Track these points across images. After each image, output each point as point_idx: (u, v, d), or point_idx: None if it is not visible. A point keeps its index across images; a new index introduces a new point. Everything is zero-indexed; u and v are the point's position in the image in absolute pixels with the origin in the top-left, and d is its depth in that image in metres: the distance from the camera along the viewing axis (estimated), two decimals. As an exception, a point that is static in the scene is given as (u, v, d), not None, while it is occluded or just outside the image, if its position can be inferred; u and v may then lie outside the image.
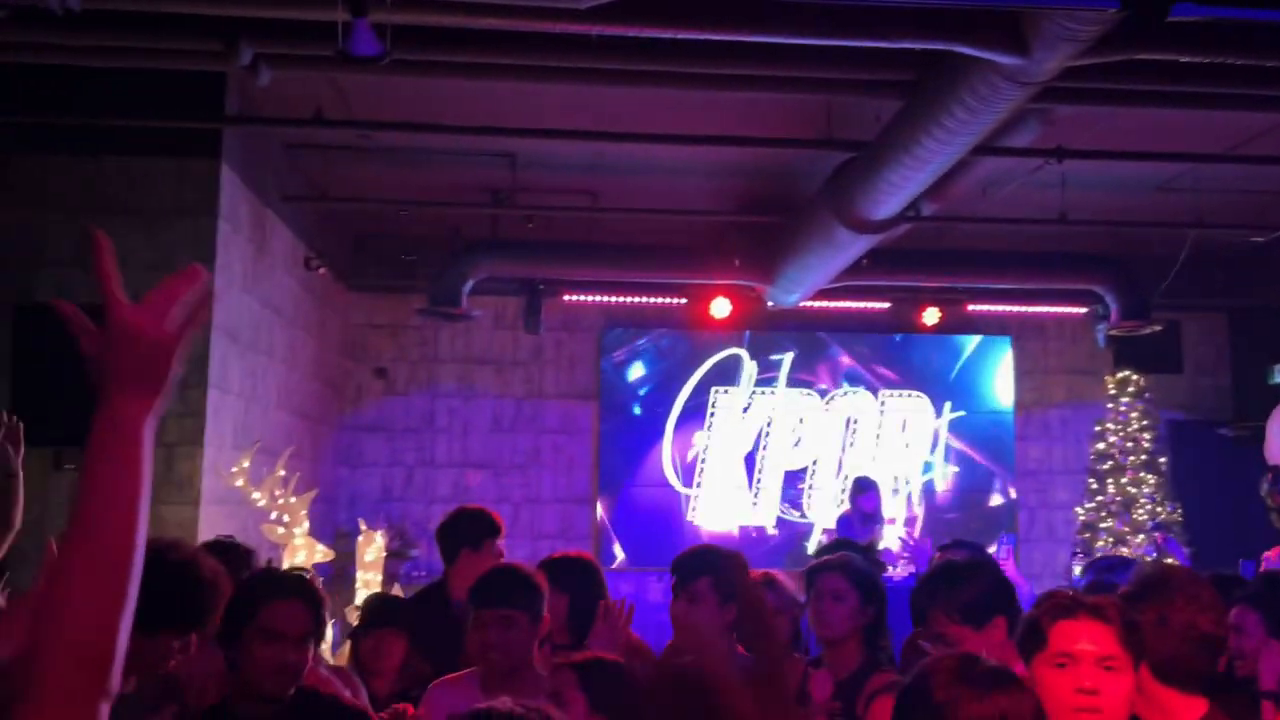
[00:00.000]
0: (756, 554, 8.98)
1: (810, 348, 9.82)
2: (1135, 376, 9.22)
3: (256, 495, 5.87)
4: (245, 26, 4.93)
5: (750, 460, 9.67)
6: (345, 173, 7.56)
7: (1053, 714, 1.88)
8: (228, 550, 3.17)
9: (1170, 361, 9.87)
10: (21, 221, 5.69)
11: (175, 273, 1.13)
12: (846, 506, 8.06)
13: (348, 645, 5.65)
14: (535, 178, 7.63)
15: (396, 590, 6.77)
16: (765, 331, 9.67)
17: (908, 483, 9.75)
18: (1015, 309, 9.69)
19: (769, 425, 9.71)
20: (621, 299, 9.44)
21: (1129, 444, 9.06)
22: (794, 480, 9.69)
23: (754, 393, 9.73)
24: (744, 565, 3.07)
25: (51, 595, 1.07)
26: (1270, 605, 3.03)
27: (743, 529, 9.56)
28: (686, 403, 9.65)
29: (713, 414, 9.69)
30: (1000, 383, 9.96)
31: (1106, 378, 9.39)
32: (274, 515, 5.93)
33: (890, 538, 7.80)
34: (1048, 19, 4.15)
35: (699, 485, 9.60)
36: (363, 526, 7.12)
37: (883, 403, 9.81)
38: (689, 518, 9.56)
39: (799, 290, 8.50)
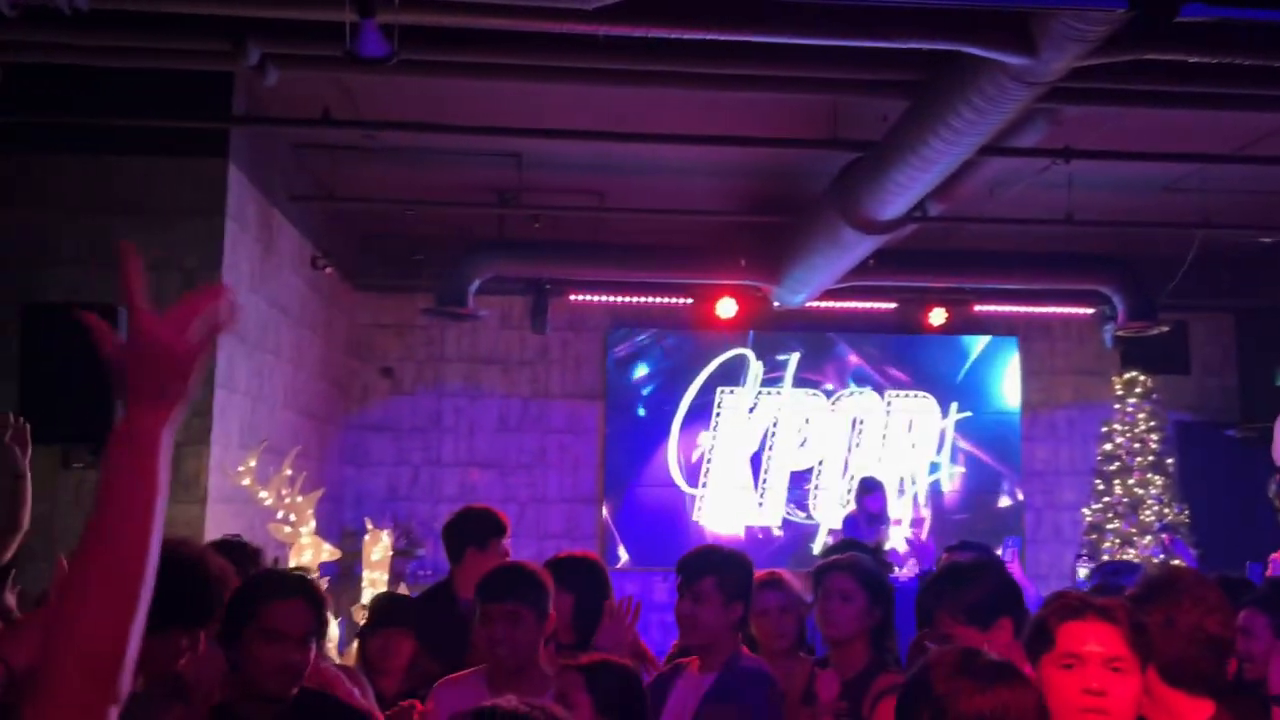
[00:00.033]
0: (762, 555, 8.97)
1: (816, 348, 9.81)
2: (1142, 377, 9.21)
3: (263, 494, 5.88)
4: (253, 27, 4.95)
5: (756, 461, 9.66)
6: (352, 172, 7.58)
7: (1059, 715, 1.88)
8: (234, 549, 3.18)
9: (1177, 362, 9.84)
10: (29, 221, 5.72)
11: (199, 288, 1.16)
12: (852, 507, 8.05)
13: (355, 644, 5.66)
14: (542, 178, 7.63)
15: (403, 589, 6.78)
16: (771, 332, 9.66)
17: (914, 483, 9.74)
18: (1022, 309, 9.67)
19: (775, 425, 9.71)
20: (627, 299, 9.44)
21: (1136, 445, 9.04)
22: (800, 481, 9.68)
23: (760, 393, 9.73)
24: (749, 566, 3.07)
25: (64, 601, 1.08)
26: (1279, 608, 3.03)
27: (748, 529, 9.56)
28: (692, 403, 9.65)
29: (718, 414, 9.69)
30: (1007, 383, 9.94)
31: (1113, 378, 9.37)
32: (280, 514, 5.95)
33: (896, 538, 7.80)
34: (1055, 19, 4.14)
35: (704, 485, 9.60)
36: (369, 526, 7.14)
37: (889, 403, 9.80)
38: (694, 518, 9.56)
39: (805, 291, 8.49)
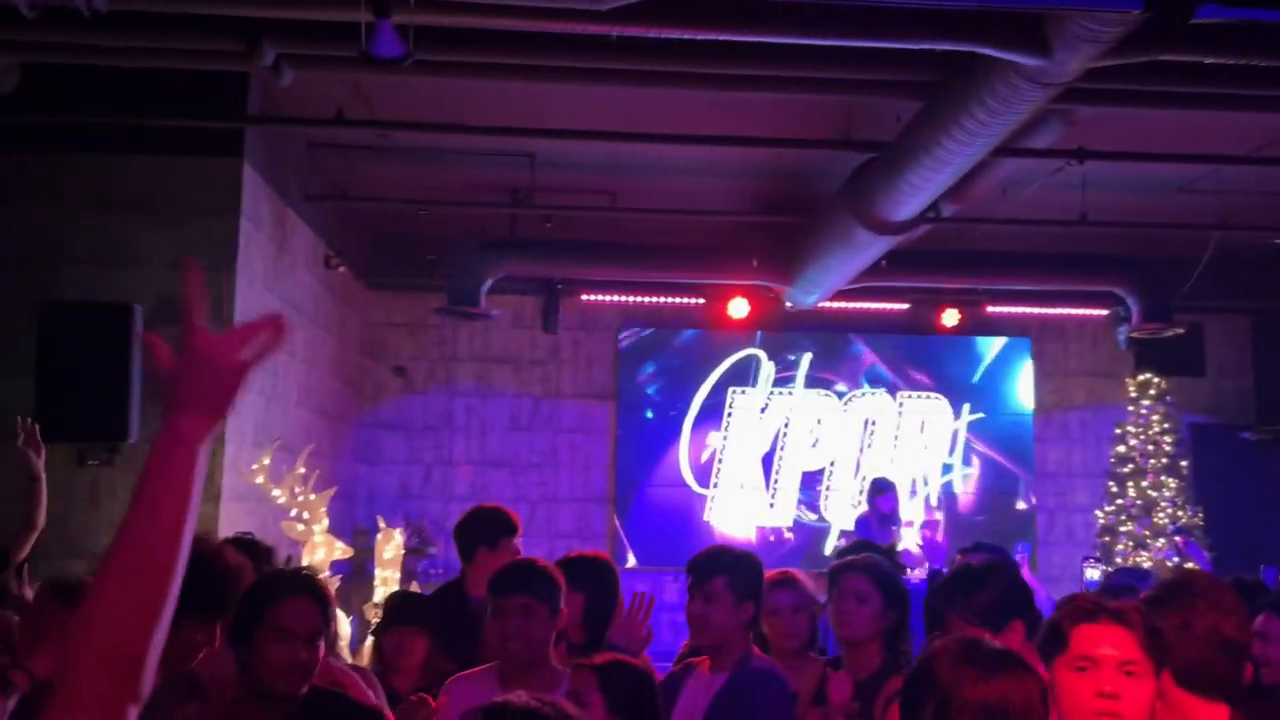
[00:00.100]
0: (773, 558, 8.97)
1: (829, 348, 9.80)
2: (1156, 379, 9.16)
3: (276, 492, 5.91)
4: (268, 27, 4.97)
5: (767, 461, 9.65)
6: (366, 172, 7.60)
7: (1072, 718, 1.87)
8: (247, 547, 3.20)
9: (1192, 364, 9.79)
10: (46, 220, 5.76)
11: (262, 315, 1.24)
12: (864, 508, 8.03)
13: (368, 642, 5.68)
14: (554, 178, 7.64)
15: (415, 588, 6.80)
16: (783, 332, 9.65)
17: (926, 483, 9.71)
18: (1035, 310, 9.63)
19: (786, 426, 9.70)
20: (639, 299, 9.45)
21: (1150, 447, 8.99)
22: (811, 481, 9.67)
23: (772, 393, 9.72)
24: (759, 566, 3.07)
25: (91, 600, 1.09)
26: (1294, 612, 3.01)
27: (760, 530, 9.55)
28: (704, 403, 9.65)
29: (730, 414, 9.68)
30: (1020, 385, 9.91)
31: (1127, 380, 9.33)
32: (294, 512, 5.97)
33: (909, 539, 7.78)
34: (1070, 20, 4.12)
35: (715, 486, 9.60)
36: (381, 524, 7.16)
37: (901, 404, 9.78)
38: (706, 518, 9.56)
39: (817, 291, 8.48)
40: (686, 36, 4.87)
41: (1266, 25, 4.50)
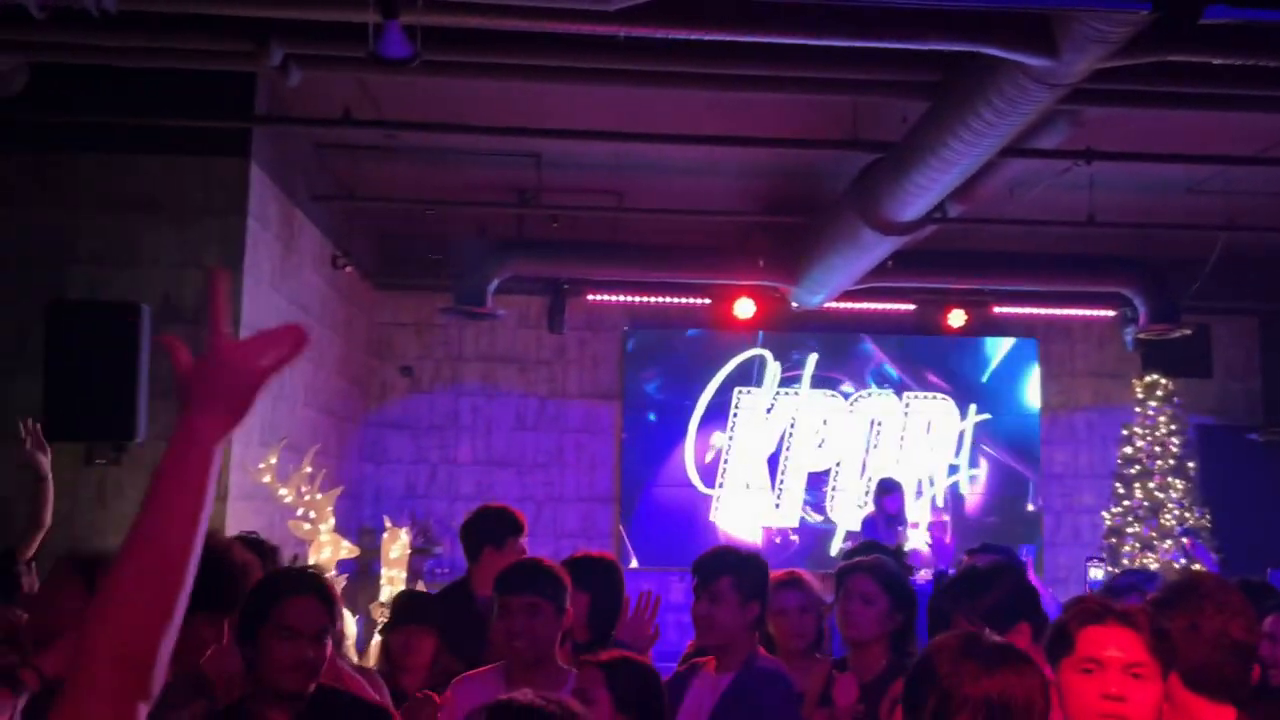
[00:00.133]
0: (779, 557, 8.96)
1: (835, 348, 9.79)
2: (1164, 380, 9.14)
3: (283, 491, 5.92)
4: (276, 28, 4.98)
5: (773, 461, 9.65)
6: (373, 172, 7.62)
7: (1078, 720, 1.87)
8: (253, 546, 3.21)
9: (1200, 365, 9.77)
10: (54, 219, 5.78)
11: (284, 325, 1.25)
12: (870, 508, 8.03)
13: (374, 641, 5.69)
14: (561, 178, 7.65)
15: (420, 587, 6.80)
16: (789, 332, 9.65)
17: (932, 484, 9.70)
18: (1042, 311, 9.62)
19: (792, 426, 9.69)
20: (645, 299, 9.45)
21: (1157, 448, 8.97)
22: (817, 482, 9.66)
23: (777, 393, 9.71)
24: (765, 566, 3.07)
25: (104, 597, 1.10)
26: (1302, 613, 3.00)
27: (765, 531, 9.54)
28: (710, 403, 9.64)
29: (735, 414, 9.68)
30: (1028, 386, 9.89)
31: (1134, 381, 9.30)
32: (300, 511, 5.98)
33: (917, 540, 7.78)
34: (1078, 21, 4.11)
35: (721, 486, 9.60)
36: (388, 524, 7.17)
37: (907, 404, 9.76)
38: (711, 518, 9.55)
39: (824, 291, 8.47)
40: (694, 37, 4.86)
41: (1274, 26, 4.49)
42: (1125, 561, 8.54)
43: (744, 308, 9.09)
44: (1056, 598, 4.79)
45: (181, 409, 1.18)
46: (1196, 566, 7.87)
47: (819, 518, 9.61)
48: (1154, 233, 8.09)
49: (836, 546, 9.36)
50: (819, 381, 9.73)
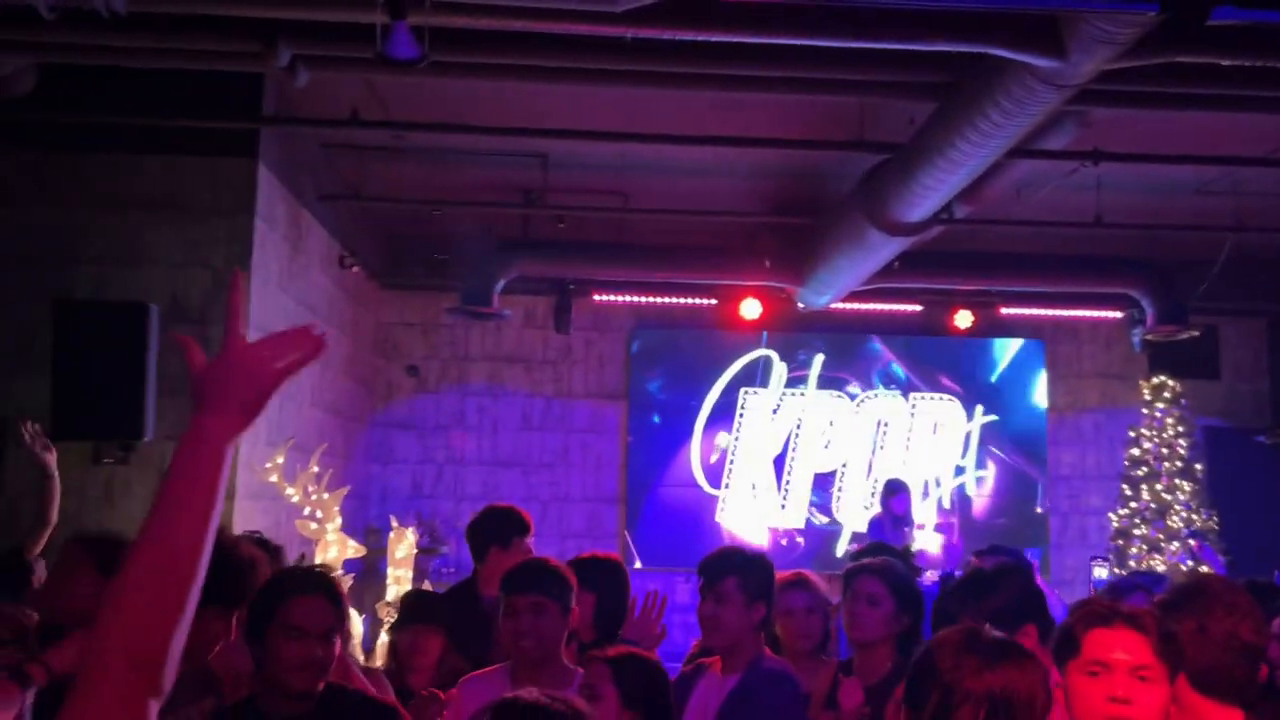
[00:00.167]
0: (785, 558, 8.96)
1: (842, 349, 9.78)
2: (1171, 382, 9.11)
3: (290, 491, 5.94)
4: (284, 29, 4.99)
5: (779, 462, 9.64)
6: (380, 173, 7.63)
7: (1085, 723, 1.87)
8: (257, 546, 3.22)
9: (1207, 367, 9.74)
10: (62, 219, 5.80)
11: (297, 327, 1.26)
12: (877, 509, 8.02)
13: (380, 640, 5.70)
14: (567, 178, 7.66)
15: (427, 587, 6.81)
16: (795, 333, 9.64)
17: (938, 485, 9.68)
18: (1049, 312, 9.59)
19: (798, 427, 9.68)
20: (651, 299, 9.45)
21: (1164, 450, 8.95)
22: (823, 483, 9.65)
23: (784, 394, 9.71)
24: (770, 566, 3.07)
25: (114, 592, 1.10)
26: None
27: (772, 532, 9.54)
28: (715, 403, 9.64)
29: (741, 415, 9.67)
30: (1035, 388, 9.87)
31: (1141, 383, 9.28)
32: (307, 511, 6.00)
33: (927, 541, 7.77)
34: (1085, 22, 4.11)
35: (727, 486, 9.59)
36: (394, 524, 7.18)
37: (913, 405, 9.75)
38: (717, 519, 9.55)
39: (830, 292, 8.47)
40: (700, 38, 4.86)
41: (1283, 27, 4.48)
42: (1132, 564, 8.52)
43: (750, 308, 9.09)
44: (1063, 600, 4.78)
45: (195, 408, 1.19)
46: (1204, 569, 7.85)
47: (825, 519, 9.60)
48: (1162, 234, 8.07)
49: (842, 548, 9.35)
50: (825, 382, 9.72)
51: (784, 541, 9.48)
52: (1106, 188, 7.17)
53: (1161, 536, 8.69)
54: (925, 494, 9.51)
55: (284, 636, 2.28)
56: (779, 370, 9.71)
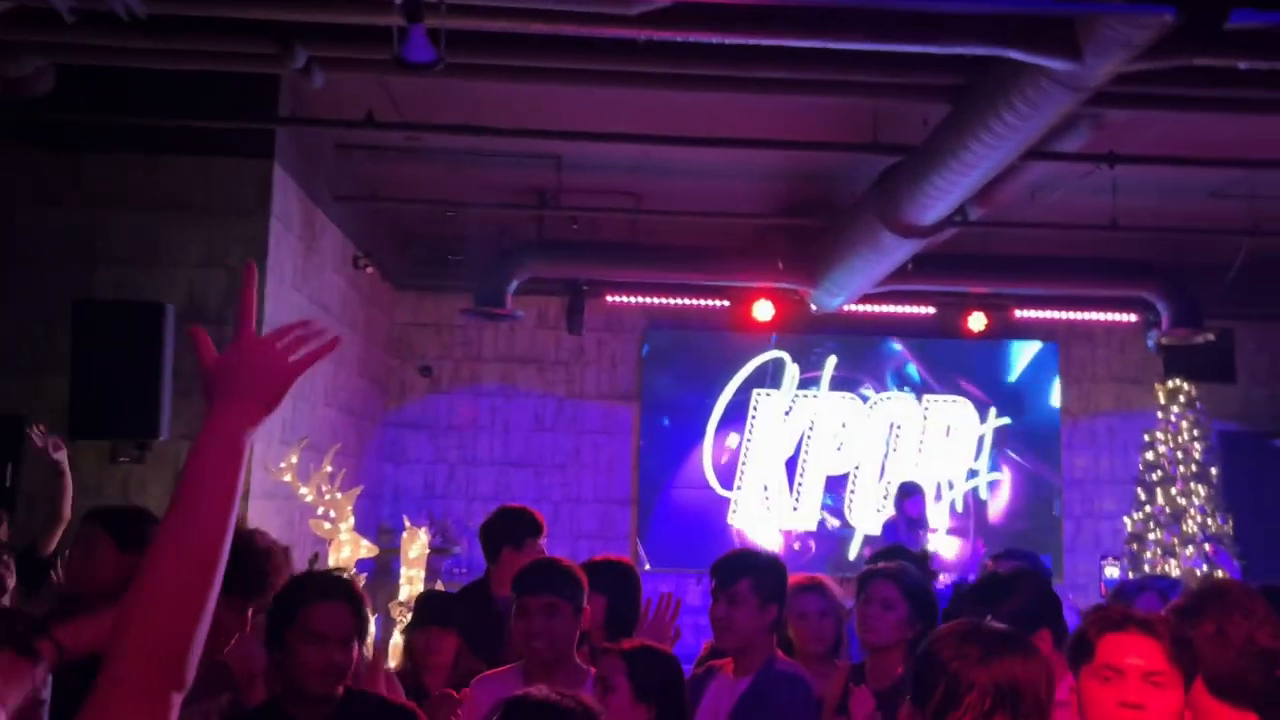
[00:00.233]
0: (797, 561, 8.95)
1: (854, 351, 9.77)
2: (1186, 386, 9.07)
3: (304, 490, 5.96)
4: (300, 31, 5.02)
5: (791, 464, 9.63)
6: (394, 173, 7.66)
7: (1098, 727, 1.86)
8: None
9: (1223, 371, 9.68)
10: (80, 219, 5.84)
11: (298, 321, 1.28)
12: (890, 512, 8.00)
13: (393, 640, 5.72)
14: (580, 179, 7.67)
15: (439, 587, 6.83)
16: (808, 335, 9.63)
17: (951, 487, 9.66)
18: (1063, 315, 9.56)
19: (811, 429, 9.67)
20: (664, 300, 9.46)
21: (1179, 454, 8.90)
22: (835, 485, 9.63)
23: (796, 396, 9.70)
24: (783, 569, 3.08)
25: (137, 585, 1.11)
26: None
27: (785, 534, 9.53)
28: (728, 405, 9.64)
29: (754, 416, 9.67)
30: (1051, 391, 9.83)
31: (1156, 386, 9.24)
32: (320, 510, 6.02)
33: (944, 545, 7.74)
34: (1102, 25, 4.09)
35: (739, 488, 9.59)
36: (407, 524, 7.20)
37: (926, 408, 9.73)
38: (729, 521, 9.55)
39: (843, 294, 8.45)
40: (713, 40, 4.87)
41: (1301, 29, 4.45)
42: (1146, 568, 8.48)
43: (762, 310, 9.08)
44: (1076, 605, 4.76)
45: (206, 400, 1.20)
46: (1218, 573, 7.81)
47: (837, 522, 9.58)
48: (1177, 237, 8.03)
49: (855, 550, 9.33)
50: (838, 383, 9.70)
51: (796, 545, 9.46)
52: (1122, 190, 7.14)
53: (1176, 541, 8.65)
54: (938, 497, 9.49)
55: (305, 641, 2.29)
56: (791, 372, 9.70)
